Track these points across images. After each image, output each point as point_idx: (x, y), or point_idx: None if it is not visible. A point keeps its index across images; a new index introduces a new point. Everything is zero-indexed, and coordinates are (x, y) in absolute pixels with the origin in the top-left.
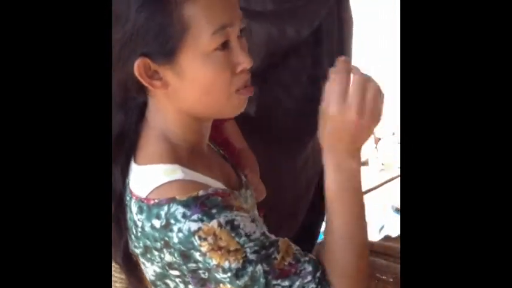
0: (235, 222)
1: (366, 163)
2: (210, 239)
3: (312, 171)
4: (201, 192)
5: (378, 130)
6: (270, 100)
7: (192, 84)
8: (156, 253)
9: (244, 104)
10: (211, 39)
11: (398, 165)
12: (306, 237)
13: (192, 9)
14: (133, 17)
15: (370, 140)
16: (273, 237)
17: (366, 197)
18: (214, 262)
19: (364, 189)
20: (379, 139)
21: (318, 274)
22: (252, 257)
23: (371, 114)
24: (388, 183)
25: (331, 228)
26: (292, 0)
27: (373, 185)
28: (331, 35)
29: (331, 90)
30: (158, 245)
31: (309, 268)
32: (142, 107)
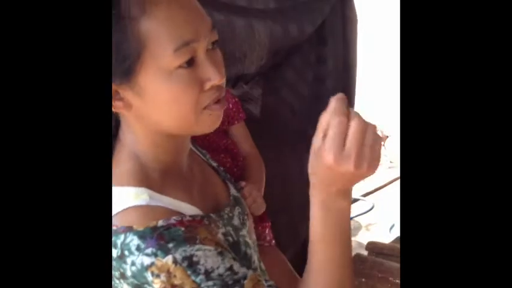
0: (194, 258)
1: None
2: (163, 276)
3: None
4: (160, 222)
5: (386, 128)
6: (274, 100)
7: (155, 105)
8: (116, 281)
9: (218, 119)
10: (173, 57)
11: None
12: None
13: (149, 24)
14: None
15: None
16: (241, 272)
17: (375, 195)
18: None
19: (373, 187)
20: (387, 137)
21: None
22: None
23: (369, 164)
24: (397, 181)
25: (311, 268)
26: None
27: (382, 183)
28: (336, 33)
29: (328, 136)
30: (116, 274)
31: None
32: (117, 126)
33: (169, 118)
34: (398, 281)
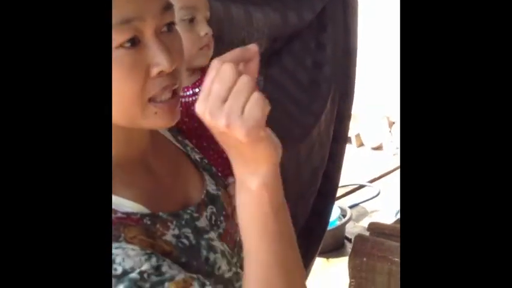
0: (112, 256)
1: (380, 147)
2: None
3: (318, 157)
4: None
5: (393, 114)
6: (273, 87)
7: None
8: None
9: (169, 118)
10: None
11: None
12: (317, 223)
13: None
14: None
15: (385, 124)
16: (169, 273)
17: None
18: None
19: (379, 173)
20: (394, 123)
21: None
22: None
23: (243, 120)
24: None
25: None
26: None
27: (388, 170)
28: (336, 19)
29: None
30: None
31: None
32: None
33: (113, 106)
34: (397, 259)
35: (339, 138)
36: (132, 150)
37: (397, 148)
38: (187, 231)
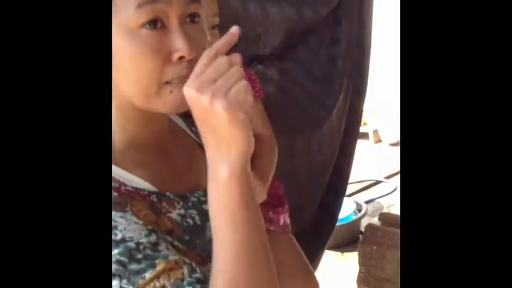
0: (113, 223)
1: (397, 144)
2: None
3: (329, 151)
4: None
5: None
6: (288, 80)
7: (117, 64)
8: None
9: (182, 102)
10: (135, 14)
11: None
12: (325, 217)
13: None
14: None
15: None
16: (163, 252)
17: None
18: None
19: (396, 170)
20: None
21: None
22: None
23: (227, 99)
24: None
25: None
26: None
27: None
28: (351, 14)
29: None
30: None
31: None
32: None
33: (129, 84)
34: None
35: (350, 133)
36: (149, 133)
37: None
38: (193, 212)
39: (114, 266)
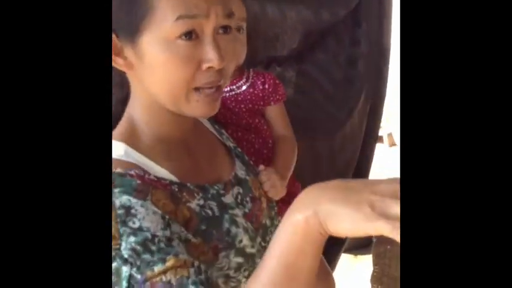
0: (132, 211)
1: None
2: None
3: (351, 152)
4: (118, 170)
5: None
6: (307, 82)
7: (151, 70)
8: None
9: (209, 109)
10: (174, 26)
11: None
12: None
13: None
14: None
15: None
16: (175, 249)
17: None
18: None
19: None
20: None
21: None
22: (124, 253)
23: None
24: None
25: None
26: None
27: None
28: (371, 15)
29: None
30: None
31: None
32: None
33: (161, 88)
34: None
35: (370, 135)
36: (175, 132)
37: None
38: (212, 203)
39: (127, 252)
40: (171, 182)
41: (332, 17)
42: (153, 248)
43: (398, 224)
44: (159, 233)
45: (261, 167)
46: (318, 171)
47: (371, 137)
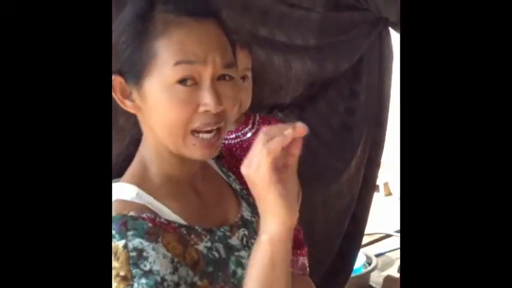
0: (144, 253)
1: None
2: (114, 256)
3: (346, 200)
4: (131, 213)
5: None
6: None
7: (153, 112)
8: None
9: (206, 152)
10: (172, 70)
11: None
12: (341, 266)
13: (164, 41)
14: (115, 36)
15: None
16: None
17: None
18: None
19: None
20: None
21: None
22: None
23: (254, 166)
24: None
25: None
26: (335, 35)
27: None
28: (371, 69)
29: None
30: None
31: None
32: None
33: (162, 130)
34: None
35: (368, 184)
36: (183, 173)
37: None
38: (219, 245)
39: None
40: (180, 225)
41: (335, 70)
42: None
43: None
44: (168, 277)
45: None
46: (312, 219)
47: (368, 185)
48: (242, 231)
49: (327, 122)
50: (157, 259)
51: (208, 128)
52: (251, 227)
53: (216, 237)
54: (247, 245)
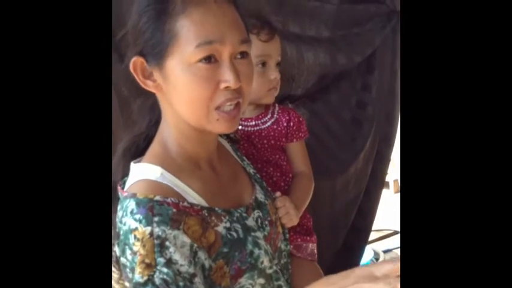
0: (167, 243)
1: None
2: (140, 243)
3: (353, 193)
4: (157, 197)
5: None
6: (317, 121)
7: (175, 91)
8: (114, 241)
9: (228, 125)
10: (194, 52)
11: None
12: (346, 258)
13: (184, 21)
14: (134, 19)
15: None
16: (195, 286)
17: None
18: (134, 265)
19: None
20: None
21: None
22: (157, 281)
23: None
24: None
25: None
26: (348, 27)
27: None
28: (384, 63)
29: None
30: (115, 233)
31: None
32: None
33: (185, 107)
34: None
35: (376, 179)
36: (203, 150)
37: None
38: (237, 226)
39: (159, 282)
40: (202, 207)
41: (348, 62)
42: (180, 283)
43: None
44: (184, 268)
45: (278, 193)
46: (319, 210)
47: (377, 180)
48: (257, 213)
49: (338, 114)
50: (177, 250)
51: (229, 103)
52: (265, 208)
53: (235, 218)
54: (262, 226)
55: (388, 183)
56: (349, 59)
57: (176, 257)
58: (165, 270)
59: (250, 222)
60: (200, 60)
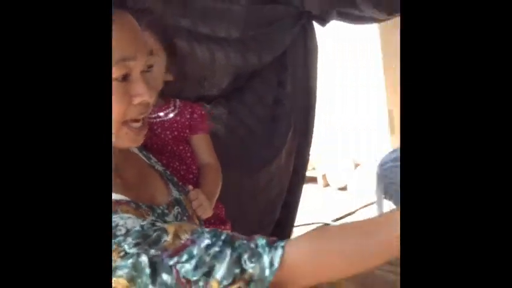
0: (113, 224)
1: (345, 188)
2: None
3: (277, 190)
4: None
5: (357, 156)
6: (234, 119)
7: None
8: None
9: (135, 139)
10: (114, 68)
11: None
12: None
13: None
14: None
15: (350, 166)
16: (163, 225)
17: (345, 221)
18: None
19: (344, 213)
20: (358, 165)
21: (223, 237)
22: (131, 251)
23: None
24: (364, 208)
25: None
26: (257, 28)
27: (352, 209)
28: (297, 61)
29: None
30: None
31: (207, 235)
32: None
33: None
34: None
35: (298, 173)
36: (121, 157)
37: (361, 189)
38: (159, 222)
39: (134, 250)
40: (128, 201)
41: (259, 61)
42: (149, 232)
43: None
44: (143, 223)
45: (190, 187)
46: (242, 208)
47: (298, 175)
48: (176, 209)
49: (255, 112)
50: (126, 219)
51: (141, 117)
52: (182, 204)
53: (157, 215)
54: (181, 221)
55: (316, 178)
56: (260, 58)
57: (130, 224)
58: (129, 239)
59: (171, 218)
60: (116, 79)
